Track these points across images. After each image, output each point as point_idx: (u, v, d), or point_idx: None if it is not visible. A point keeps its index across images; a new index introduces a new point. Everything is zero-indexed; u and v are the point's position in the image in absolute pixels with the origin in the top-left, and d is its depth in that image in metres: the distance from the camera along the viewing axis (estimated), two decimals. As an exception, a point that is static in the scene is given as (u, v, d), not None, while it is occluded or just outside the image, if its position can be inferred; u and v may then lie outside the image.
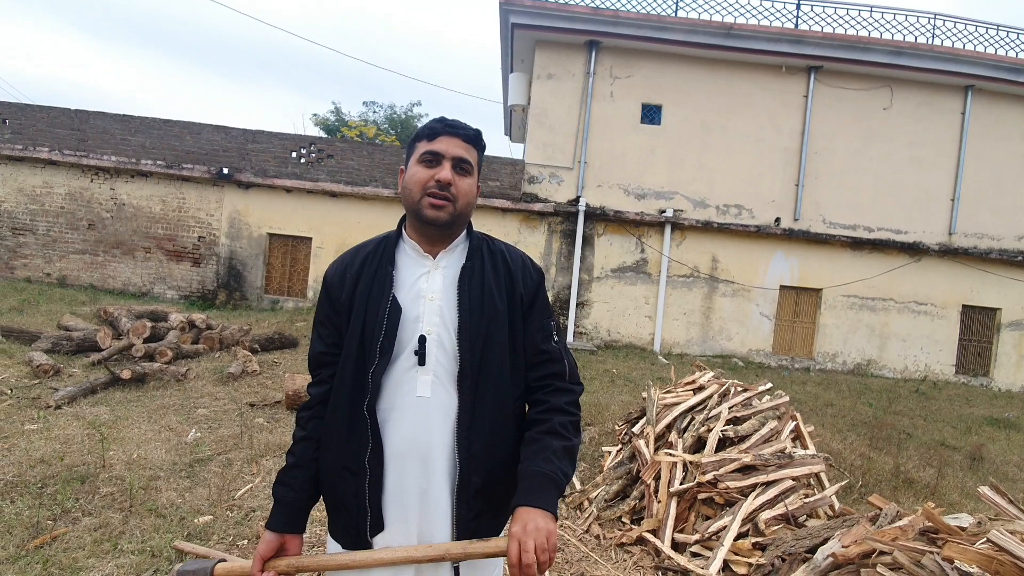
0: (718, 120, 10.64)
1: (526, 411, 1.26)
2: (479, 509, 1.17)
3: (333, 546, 1.22)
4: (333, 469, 1.17)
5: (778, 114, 10.67)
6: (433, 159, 1.15)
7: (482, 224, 10.70)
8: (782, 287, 10.82)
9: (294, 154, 10.87)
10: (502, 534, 1.18)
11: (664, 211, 10.56)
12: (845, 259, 10.76)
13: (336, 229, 10.85)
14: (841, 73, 10.61)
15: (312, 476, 1.21)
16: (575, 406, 1.23)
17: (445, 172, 1.14)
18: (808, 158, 10.62)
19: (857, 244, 10.69)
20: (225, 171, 10.64)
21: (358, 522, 1.14)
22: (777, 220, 10.67)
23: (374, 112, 25.31)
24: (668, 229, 10.57)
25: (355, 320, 1.16)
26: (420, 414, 1.14)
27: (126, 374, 4.92)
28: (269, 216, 10.95)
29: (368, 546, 1.15)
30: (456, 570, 1.15)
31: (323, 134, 22.36)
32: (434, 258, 1.20)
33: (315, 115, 26.35)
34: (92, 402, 4.48)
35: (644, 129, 10.67)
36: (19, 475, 3.03)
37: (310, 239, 11.01)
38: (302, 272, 11.12)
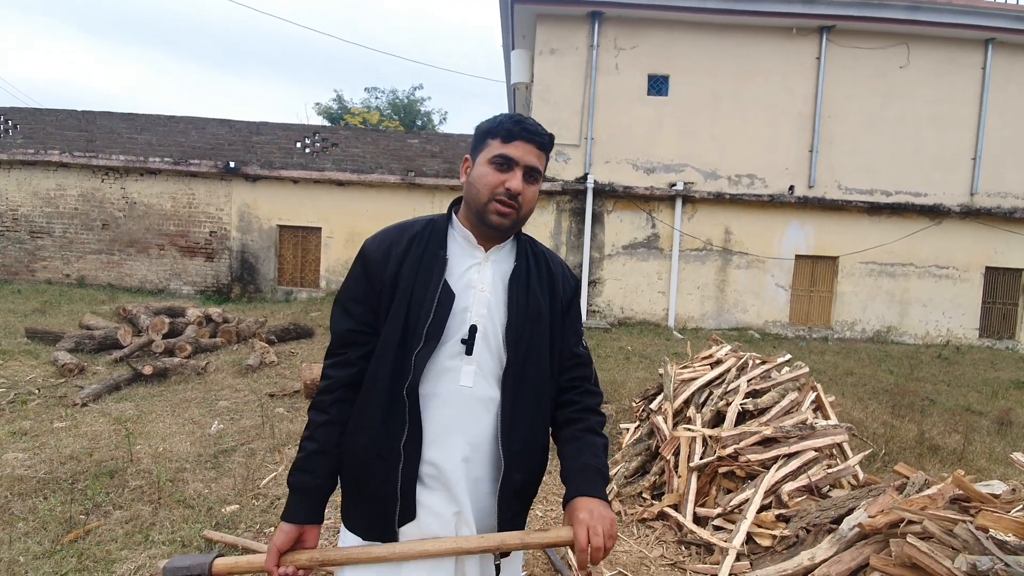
0: (728, 87, 10.36)
1: (555, 412, 1.29)
2: (517, 508, 1.18)
3: (350, 538, 1.15)
4: (362, 455, 1.12)
5: (790, 78, 10.36)
6: (505, 163, 1.12)
7: (490, 206, 10.64)
8: (798, 256, 10.64)
9: (299, 144, 10.84)
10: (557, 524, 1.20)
11: (674, 184, 10.38)
12: (862, 225, 10.52)
13: (344, 218, 10.85)
14: (855, 32, 10.24)
15: (336, 463, 1.15)
16: (601, 408, 1.31)
17: (517, 182, 1.11)
18: (822, 122, 10.33)
19: (875, 209, 10.44)
20: (232, 165, 10.66)
21: (386, 511, 1.10)
22: (791, 188, 10.44)
23: (376, 98, 25.11)
24: (679, 203, 10.40)
25: (399, 300, 1.11)
26: (464, 403, 1.13)
27: (148, 370, 5.01)
28: (278, 208, 10.99)
29: (394, 537, 1.10)
30: (498, 567, 1.13)
31: (327, 123, 22.27)
32: (486, 251, 1.19)
33: (317, 104, 26.23)
34: (117, 398, 4.57)
35: (651, 101, 10.44)
36: (50, 472, 3.10)
37: (319, 229, 11.03)
38: (313, 262, 11.18)
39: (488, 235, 1.17)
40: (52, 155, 10.96)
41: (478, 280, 1.16)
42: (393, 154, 10.67)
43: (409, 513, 1.10)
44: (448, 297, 1.12)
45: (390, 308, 1.12)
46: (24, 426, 3.83)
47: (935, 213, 10.44)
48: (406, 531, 1.10)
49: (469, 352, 1.13)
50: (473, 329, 1.13)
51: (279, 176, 10.73)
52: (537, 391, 1.18)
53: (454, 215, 1.23)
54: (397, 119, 23.89)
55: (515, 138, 1.11)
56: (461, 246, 1.18)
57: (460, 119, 35.70)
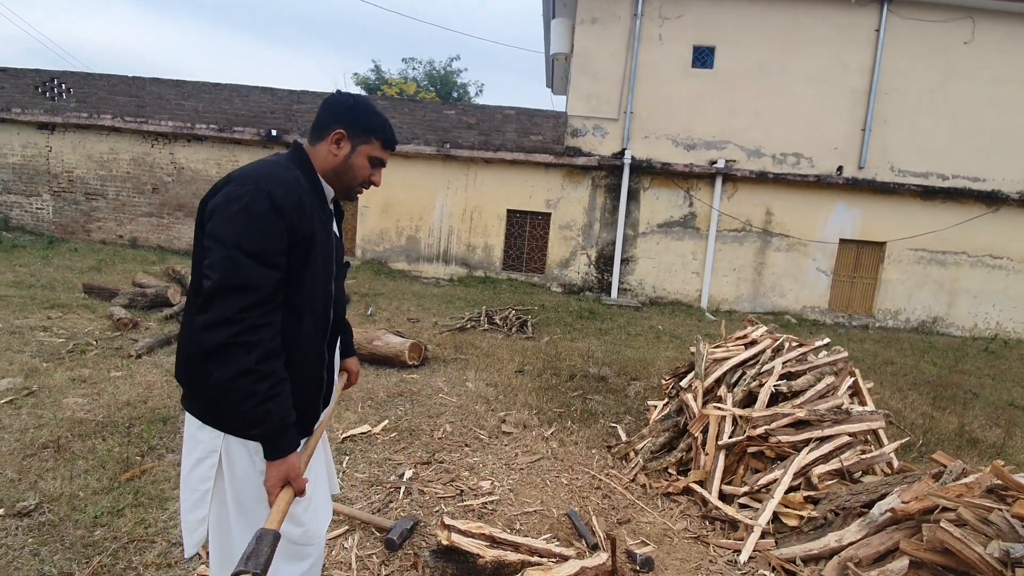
0: (777, 60, 9.91)
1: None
2: None
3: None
4: (312, 374, 1.35)
5: (845, 51, 9.82)
6: (378, 163, 1.42)
7: (525, 180, 10.57)
8: (842, 240, 10.25)
9: (338, 113, 10.93)
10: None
11: (715, 162, 10.08)
12: (914, 210, 10.04)
13: (381, 188, 10.95)
14: (918, 3, 9.60)
15: None
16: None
17: (379, 178, 1.44)
18: (877, 99, 9.80)
19: (928, 193, 9.92)
20: (273, 133, 10.86)
21: (311, 416, 1.37)
22: (839, 169, 10.00)
23: (413, 69, 24.98)
24: (719, 181, 10.11)
25: (319, 245, 1.31)
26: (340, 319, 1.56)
27: (195, 328, 5.27)
28: (316, 176, 11.17)
29: (309, 434, 1.38)
30: None
31: (364, 93, 22.32)
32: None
33: (356, 74, 26.27)
34: (167, 352, 4.82)
35: (695, 74, 10.08)
36: (108, 416, 3.34)
37: (356, 199, 11.19)
38: (350, 231, 11.38)
39: (339, 196, 1.47)
40: (105, 119, 11.37)
41: (333, 226, 1.45)
42: (429, 125, 10.66)
43: (317, 416, 1.40)
44: (337, 241, 1.46)
45: (310, 252, 1.29)
46: (83, 374, 4.10)
47: (992, 200, 9.86)
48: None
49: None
50: (347, 265, 1.57)
51: (318, 145, 10.88)
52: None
53: (315, 172, 1.38)
54: (433, 90, 23.76)
55: (391, 147, 1.43)
56: (324, 198, 1.41)
57: (497, 91, 35.27)
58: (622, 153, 10.17)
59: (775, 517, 2.59)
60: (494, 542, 2.04)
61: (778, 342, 3.55)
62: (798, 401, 3.08)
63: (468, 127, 10.59)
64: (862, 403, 3.40)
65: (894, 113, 9.87)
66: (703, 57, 10.13)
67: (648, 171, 10.24)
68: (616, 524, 2.67)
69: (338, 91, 1.42)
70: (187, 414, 1.33)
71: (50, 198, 12.02)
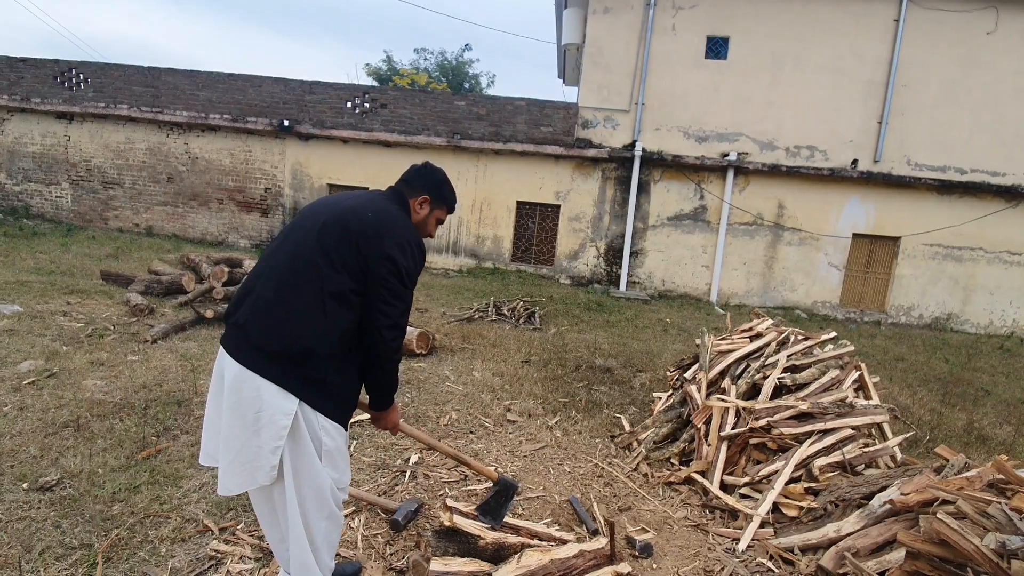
0: (791, 50, 9.77)
1: None
2: None
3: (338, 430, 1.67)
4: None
5: (861, 41, 9.65)
6: (440, 223, 1.89)
7: (535, 171, 10.56)
8: (855, 235, 10.13)
9: (349, 104, 10.99)
10: None
11: (727, 155, 9.99)
12: (930, 204, 9.88)
13: (390, 178, 10.83)
14: (941, -8, 9.40)
15: None
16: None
17: (435, 232, 1.91)
18: (895, 91, 9.63)
19: (946, 188, 9.76)
20: (286, 123, 10.95)
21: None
22: (854, 162, 9.87)
23: (425, 59, 24.95)
24: (731, 174, 10.03)
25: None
26: None
27: (209, 314, 5.37)
28: (328, 167, 11.26)
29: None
30: None
31: (376, 84, 22.35)
32: None
33: (368, 65, 26.36)
34: (182, 338, 4.93)
35: (708, 65, 9.97)
36: (125, 398, 3.44)
37: (367, 188, 11.26)
38: (361, 222, 11.46)
39: None
40: (121, 109, 11.53)
41: None
42: (440, 116, 10.68)
43: None
44: None
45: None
46: (101, 357, 4.21)
47: (1012, 195, 9.67)
48: None
49: None
50: None
51: (330, 136, 10.96)
52: None
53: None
54: (445, 81, 23.72)
55: (452, 212, 1.92)
56: None
57: (508, 82, 35.12)
58: (633, 145, 10.11)
59: (775, 507, 2.61)
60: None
61: (783, 335, 3.55)
62: (802, 394, 3.09)
63: (478, 118, 10.59)
64: (867, 397, 3.39)
65: (912, 105, 9.69)
66: (716, 48, 10.01)
67: (659, 163, 10.18)
68: (617, 511, 2.71)
69: (427, 163, 1.87)
70: (262, 379, 1.49)
71: (69, 187, 12.24)
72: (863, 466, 2.84)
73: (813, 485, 2.57)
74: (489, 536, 1.98)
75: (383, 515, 2.42)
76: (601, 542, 2.15)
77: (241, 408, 1.47)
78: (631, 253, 10.43)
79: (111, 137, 11.90)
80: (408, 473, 2.81)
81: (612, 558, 2.07)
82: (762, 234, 10.24)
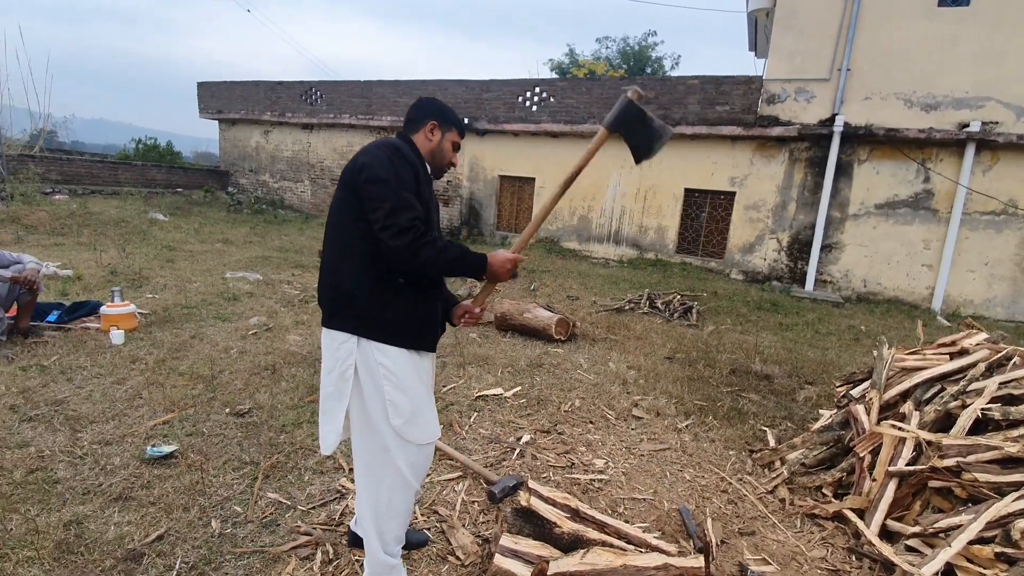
0: (1083, -18, 7.30)
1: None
2: None
3: (399, 353, 1.64)
4: (436, 293, 1.76)
5: None
6: (456, 147, 1.84)
7: (708, 155, 9.74)
8: None
9: (520, 99, 11.45)
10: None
11: (966, 125, 7.94)
12: None
13: (555, 169, 11.22)
14: None
15: None
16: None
17: (456, 160, 1.87)
18: None
19: None
20: (465, 120, 11.88)
21: (437, 333, 1.78)
22: None
23: (607, 48, 24.60)
24: (971, 149, 7.96)
25: (424, 195, 1.64)
26: None
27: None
28: (500, 160, 11.93)
29: (434, 350, 1.80)
30: None
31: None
32: None
33: (550, 60, 26.92)
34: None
35: (942, 14, 8.00)
36: (312, 352, 4.17)
37: (533, 179, 11.66)
38: (527, 211, 11.94)
39: (433, 175, 1.82)
40: (344, 119, 13.82)
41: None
42: (606, 103, 10.49)
43: (438, 334, 1.80)
44: (436, 203, 1.82)
45: (419, 197, 1.61)
46: (303, 318, 5.17)
47: None
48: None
49: None
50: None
51: (502, 130, 11.58)
52: None
53: (417, 147, 1.74)
54: (624, 68, 23.11)
55: (463, 134, 1.87)
56: (425, 166, 1.76)
57: (696, 62, 32.75)
58: (832, 120, 8.66)
59: (948, 569, 2.06)
60: (578, 516, 2.04)
61: (999, 355, 2.74)
62: (1014, 433, 2.36)
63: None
64: None
65: None
66: (959, -9, 7.98)
67: (867, 140, 8.55)
68: (736, 534, 2.42)
69: (422, 96, 1.87)
70: (325, 330, 1.66)
71: (308, 183, 15.16)
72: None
73: (1008, 551, 1.96)
74: (568, 526, 1.94)
75: (485, 486, 2.54)
76: (698, 560, 1.95)
77: (325, 365, 1.68)
78: (823, 247, 9.01)
79: (337, 142, 14.34)
80: (517, 451, 2.90)
81: (705, 581, 1.86)
82: (1014, 226, 7.94)
